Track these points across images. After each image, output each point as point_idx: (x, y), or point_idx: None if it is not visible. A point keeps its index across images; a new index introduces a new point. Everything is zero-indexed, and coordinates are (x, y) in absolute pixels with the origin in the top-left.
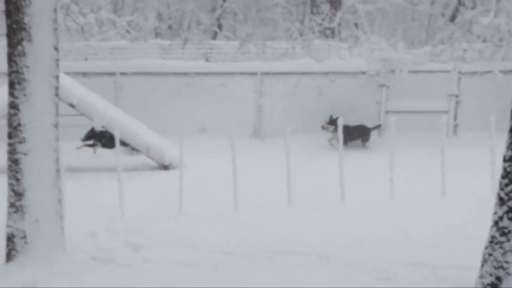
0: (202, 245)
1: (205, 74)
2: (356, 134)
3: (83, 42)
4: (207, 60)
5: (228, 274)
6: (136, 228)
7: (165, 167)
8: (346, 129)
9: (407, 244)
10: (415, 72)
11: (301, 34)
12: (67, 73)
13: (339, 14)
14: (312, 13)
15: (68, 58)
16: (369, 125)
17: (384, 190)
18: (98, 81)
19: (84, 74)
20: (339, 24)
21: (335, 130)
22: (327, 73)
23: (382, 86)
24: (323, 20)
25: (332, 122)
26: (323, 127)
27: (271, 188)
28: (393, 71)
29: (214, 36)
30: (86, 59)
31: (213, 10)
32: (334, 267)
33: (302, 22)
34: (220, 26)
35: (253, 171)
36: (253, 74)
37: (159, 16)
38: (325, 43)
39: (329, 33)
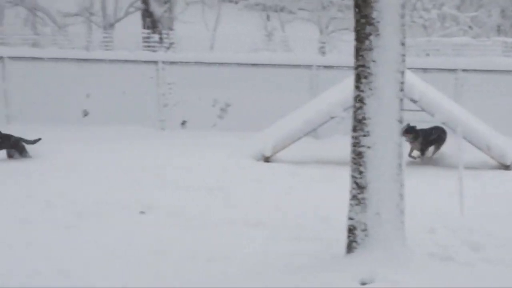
0: None
1: None
2: (433, 139)
3: (425, 38)
4: None
5: None
6: (475, 227)
7: (506, 167)
8: (424, 133)
9: None
10: None
11: None
12: (409, 68)
13: None
14: None
15: (410, 53)
16: None
17: None
18: (438, 77)
19: (424, 69)
20: None
21: (414, 138)
22: None
23: None
24: None
25: (409, 130)
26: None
27: None
28: None
29: None
30: (427, 54)
31: None
32: None
33: None
34: None
35: None
36: None
37: (503, 12)
38: None
39: None
